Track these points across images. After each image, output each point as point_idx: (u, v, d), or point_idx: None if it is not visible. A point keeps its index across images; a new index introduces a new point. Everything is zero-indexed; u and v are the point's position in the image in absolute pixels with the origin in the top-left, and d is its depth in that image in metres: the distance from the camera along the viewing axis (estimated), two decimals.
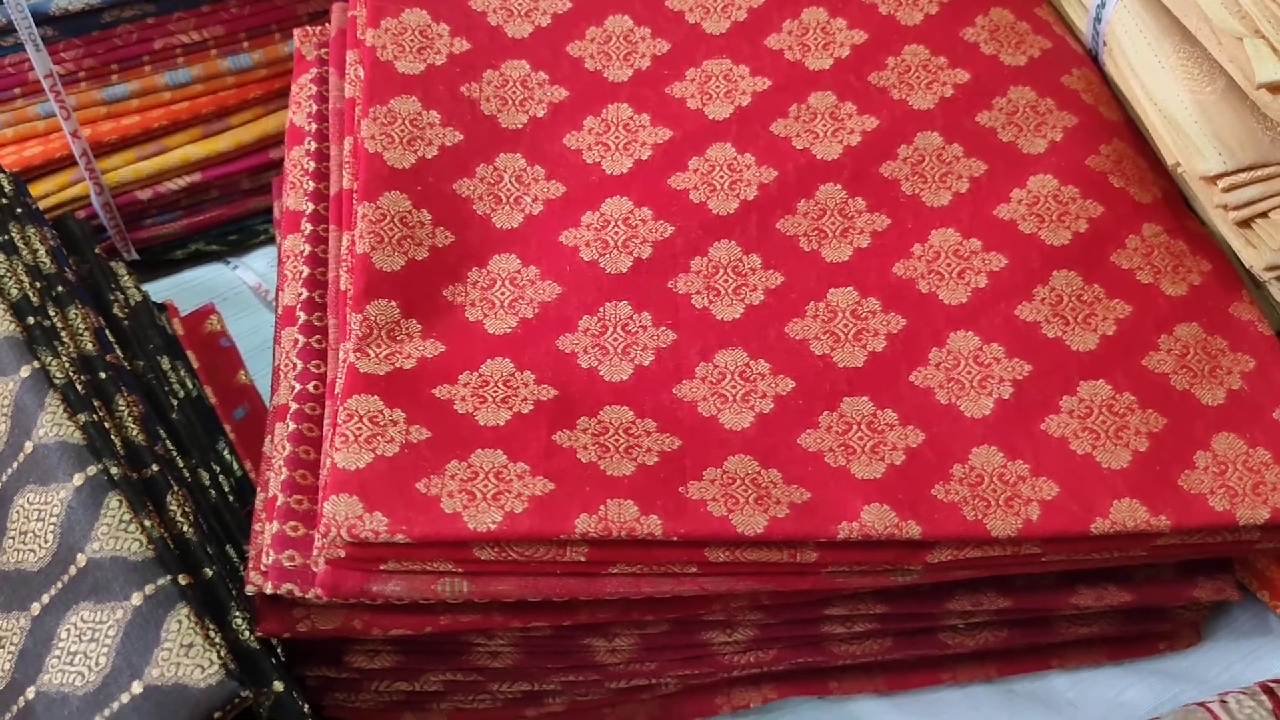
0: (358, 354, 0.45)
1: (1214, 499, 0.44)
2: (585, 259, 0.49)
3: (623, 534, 0.41)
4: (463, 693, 0.48)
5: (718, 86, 0.54)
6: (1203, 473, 0.45)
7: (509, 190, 0.51)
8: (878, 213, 0.50)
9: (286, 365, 0.48)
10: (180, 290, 0.69)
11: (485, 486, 0.41)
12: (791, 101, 0.53)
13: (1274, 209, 0.48)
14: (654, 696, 0.49)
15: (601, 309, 0.48)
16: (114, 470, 0.44)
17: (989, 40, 0.56)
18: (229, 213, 0.72)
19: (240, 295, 0.70)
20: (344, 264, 0.49)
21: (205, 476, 0.52)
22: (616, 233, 0.49)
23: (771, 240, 0.50)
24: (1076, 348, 0.47)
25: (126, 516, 0.42)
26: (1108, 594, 0.48)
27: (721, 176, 0.51)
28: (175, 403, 0.55)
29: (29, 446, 0.44)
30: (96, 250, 0.61)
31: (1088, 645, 0.51)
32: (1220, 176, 0.48)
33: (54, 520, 0.42)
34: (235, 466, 0.56)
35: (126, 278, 0.62)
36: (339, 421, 0.43)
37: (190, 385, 0.58)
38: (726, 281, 0.48)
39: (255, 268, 0.71)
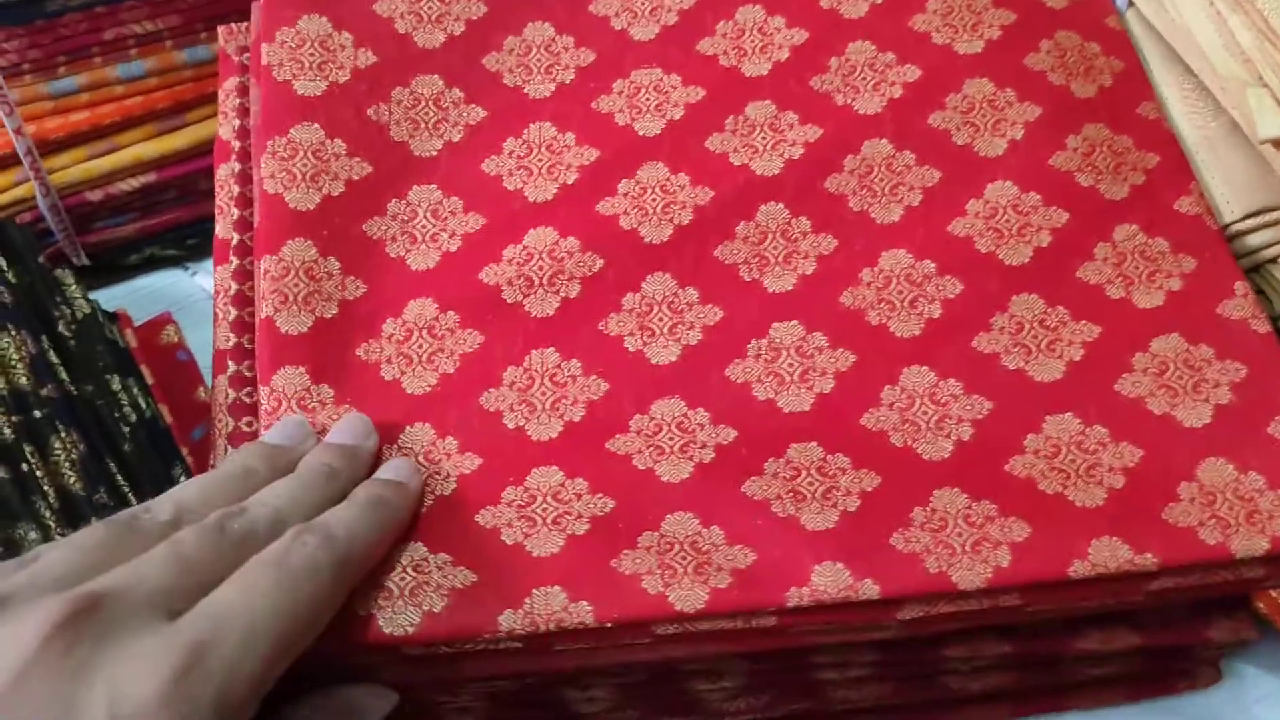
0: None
1: (1204, 531, 0.40)
2: (508, 300, 0.45)
3: (552, 626, 0.38)
4: None
5: (648, 99, 0.50)
6: (1189, 504, 0.41)
7: (424, 227, 0.47)
8: (823, 234, 0.47)
9: (219, 420, 0.45)
10: (134, 298, 0.65)
11: (403, 580, 0.38)
12: (727, 113, 0.49)
13: None
14: None
15: (527, 359, 0.44)
16: (31, 535, 0.40)
17: (942, 27, 0.51)
18: (186, 215, 0.68)
19: (199, 304, 0.66)
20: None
21: None
22: (541, 268, 0.46)
23: (709, 270, 0.46)
24: (1040, 379, 0.43)
25: None
26: (1116, 637, 0.44)
27: (654, 200, 0.47)
28: (127, 429, 0.52)
29: None
30: (40, 259, 0.57)
31: (1103, 684, 0.47)
32: (1230, 225, 0.44)
33: None
34: None
35: (74, 288, 0.58)
36: None
37: (144, 405, 0.55)
38: (662, 320, 0.45)
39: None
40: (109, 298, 0.63)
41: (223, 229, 0.49)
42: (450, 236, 0.47)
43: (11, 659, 0.29)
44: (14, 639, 0.29)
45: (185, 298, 0.67)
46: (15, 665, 0.28)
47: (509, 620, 0.37)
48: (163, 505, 0.36)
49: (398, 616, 0.37)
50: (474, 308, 0.45)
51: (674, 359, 0.44)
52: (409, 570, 0.38)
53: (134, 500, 0.47)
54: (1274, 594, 0.47)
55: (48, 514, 0.43)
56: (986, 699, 0.47)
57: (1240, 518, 0.40)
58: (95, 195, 0.65)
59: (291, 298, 0.44)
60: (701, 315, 0.45)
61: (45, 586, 0.31)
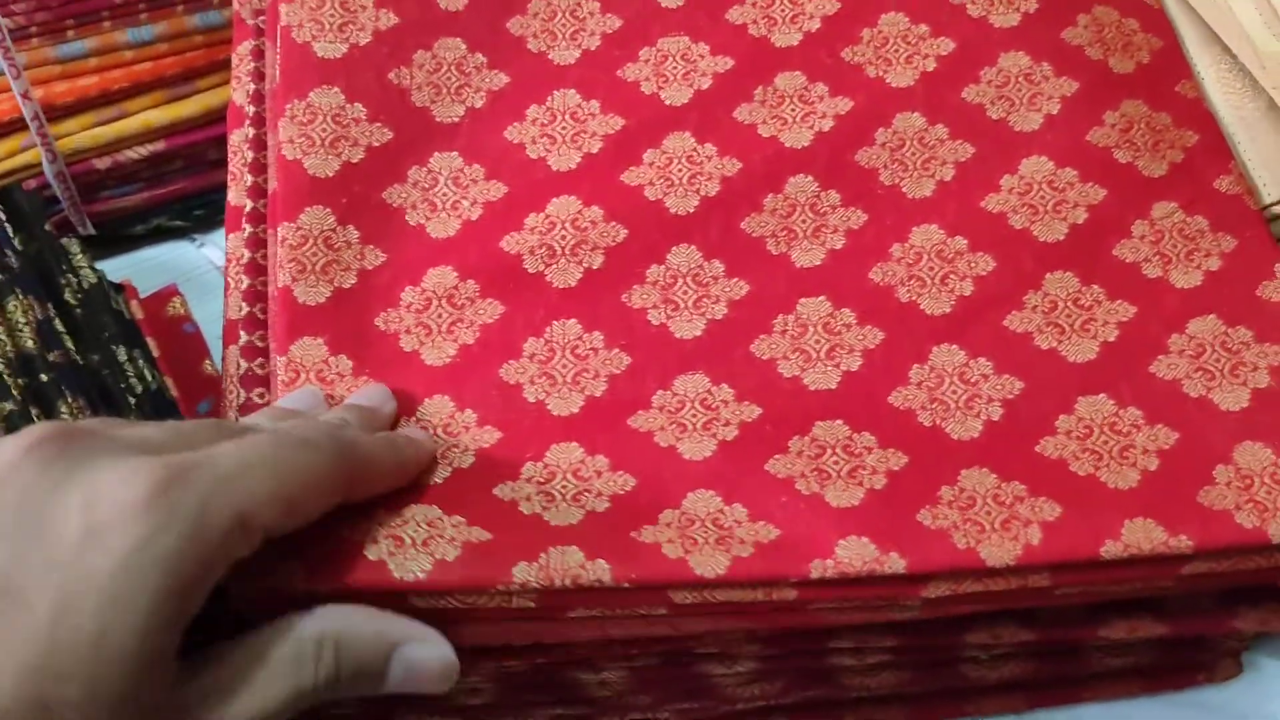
0: None
1: (1240, 515, 0.39)
2: (530, 270, 0.44)
3: (568, 582, 0.36)
4: None
5: (675, 68, 0.48)
6: (1225, 488, 0.39)
7: (445, 195, 0.46)
8: (853, 208, 0.45)
9: (230, 391, 0.44)
10: (140, 269, 0.64)
11: (416, 532, 0.37)
12: (756, 84, 0.48)
13: None
14: None
15: (549, 329, 0.43)
16: None
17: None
18: (194, 185, 0.67)
19: (205, 276, 0.65)
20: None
21: None
22: (564, 238, 0.45)
23: (735, 243, 0.45)
24: (1074, 359, 0.42)
25: None
26: (1141, 625, 0.43)
27: (680, 170, 0.46)
28: (133, 400, 0.51)
29: None
30: (47, 226, 0.57)
31: (1122, 676, 0.46)
32: (1268, 206, 0.44)
33: None
34: None
35: (80, 256, 0.57)
36: None
37: (150, 377, 0.54)
38: (686, 293, 0.44)
39: (222, 246, 0.66)
40: (114, 268, 0.63)
41: (235, 195, 0.48)
42: (471, 204, 0.46)
43: None
44: None
45: (192, 269, 0.66)
46: None
47: (523, 572, 0.36)
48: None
49: (409, 562, 0.36)
50: (494, 277, 0.44)
51: (698, 333, 0.43)
52: (422, 525, 0.37)
53: None
54: None
55: None
56: (1003, 689, 0.46)
57: (1278, 502, 0.39)
58: (102, 163, 0.64)
59: (309, 267, 0.43)
60: (727, 289, 0.44)
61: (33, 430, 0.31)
